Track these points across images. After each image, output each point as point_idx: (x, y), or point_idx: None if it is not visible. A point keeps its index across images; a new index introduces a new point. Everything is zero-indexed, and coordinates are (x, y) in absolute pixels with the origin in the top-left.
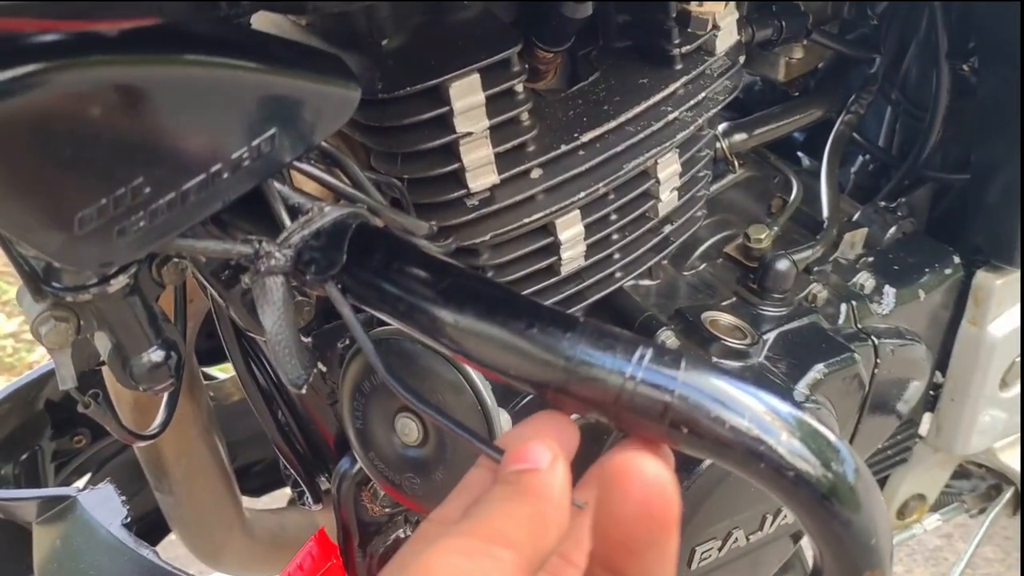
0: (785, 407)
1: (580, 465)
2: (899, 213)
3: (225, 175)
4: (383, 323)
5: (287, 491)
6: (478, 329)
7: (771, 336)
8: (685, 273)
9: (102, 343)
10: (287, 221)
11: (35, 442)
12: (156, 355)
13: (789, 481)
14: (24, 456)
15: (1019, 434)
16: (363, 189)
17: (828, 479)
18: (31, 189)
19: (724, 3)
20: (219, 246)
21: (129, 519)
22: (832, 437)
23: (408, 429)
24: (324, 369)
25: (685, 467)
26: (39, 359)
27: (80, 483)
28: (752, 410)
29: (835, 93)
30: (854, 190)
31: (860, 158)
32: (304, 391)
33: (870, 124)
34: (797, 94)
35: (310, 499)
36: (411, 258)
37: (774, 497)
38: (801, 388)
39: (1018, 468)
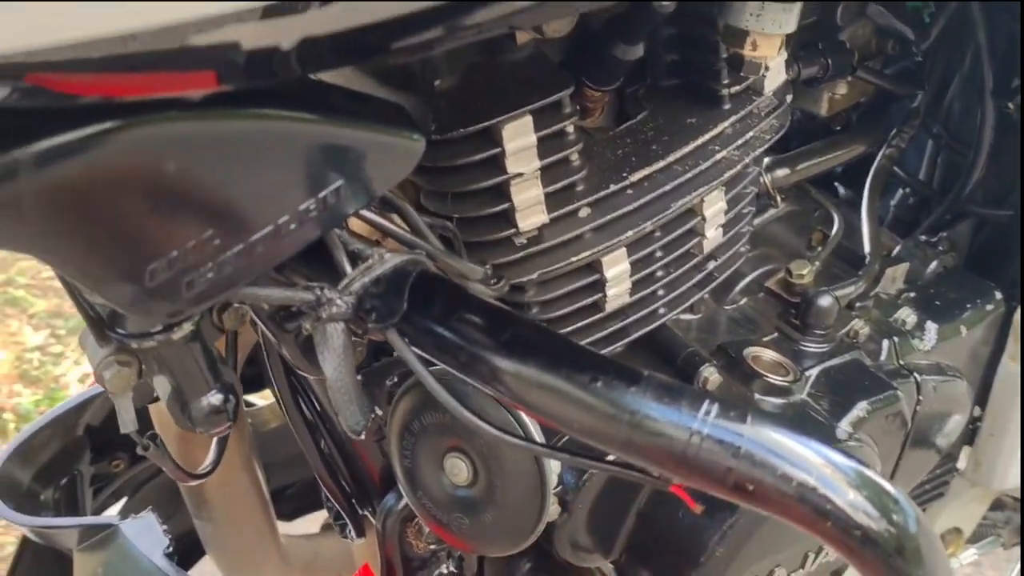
0: (847, 461)
1: (611, 512)
2: (940, 247)
3: (292, 227)
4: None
5: (318, 515)
6: (541, 381)
7: (814, 373)
8: (726, 307)
9: (161, 386)
10: (348, 268)
11: (74, 467)
12: (215, 398)
13: (856, 540)
14: (63, 481)
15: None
16: (420, 234)
17: (893, 535)
18: (104, 243)
19: (778, 48)
20: (281, 293)
21: (171, 549)
22: (892, 489)
23: (458, 469)
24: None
25: (727, 505)
26: (65, 372)
27: (117, 506)
28: (818, 468)
29: (878, 128)
30: (893, 223)
31: (900, 191)
32: (363, 437)
33: (910, 156)
34: (839, 128)
35: (353, 532)
36: (472, 307)
37: (838, 554)
38: (844, 426)
39: None
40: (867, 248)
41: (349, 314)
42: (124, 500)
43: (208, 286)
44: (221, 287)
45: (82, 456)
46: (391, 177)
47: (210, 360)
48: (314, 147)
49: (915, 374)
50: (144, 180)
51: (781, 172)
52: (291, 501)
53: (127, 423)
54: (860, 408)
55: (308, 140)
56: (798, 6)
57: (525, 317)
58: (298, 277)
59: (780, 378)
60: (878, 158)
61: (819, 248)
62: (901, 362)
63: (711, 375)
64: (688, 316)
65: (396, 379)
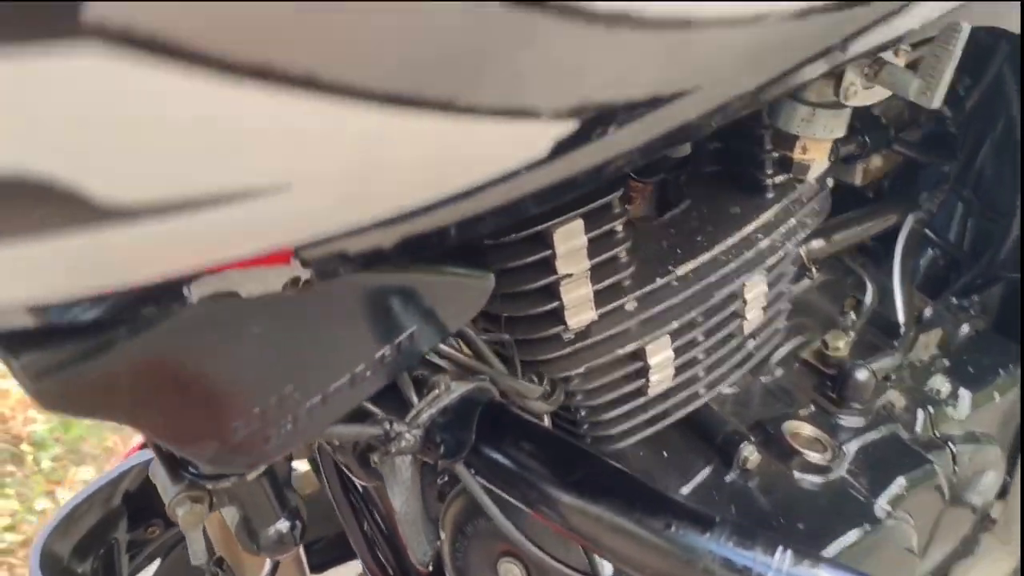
0: None
1: None
2: (972, 311)
3: (368, 373)
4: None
5: (345, 567)
6: (613, 524)
7: (852, 448)
8: (762, 378)
9: (230, 516)
10: (415, 399)
11: (112, 535)
12: (283, 525)
13: None
14: (101, 550)
15: None
16: (483, 358)
17: None
18: (192, 406)
19: (828, 152)
20: (351, 431)
21: None
22: None
23: (512, 575)
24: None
25: None
26: None
27: (152, 568)
28: None
29: (909, 196)
30: (922, 282)
31: (929, 251)
32: (430, 568)
33: (939, 217)
34: (871, 194)
35: None
36: (542, 442)
37: None
38: (882, 503)
39: None
40: (901, 318)
41: (418, 447)
42: (158, 562)
43: (287, 437)
44: (298, 437)
45: (119, 524)
46: (462, 316)
47: (278, 490)
48: (389, 296)
49: (950, 444)
50: (231, 342)
51: (817, 244)
52: (320, 554)
53: (198, 554)
54: (898, 484)
55: (384, 290)
56: (847, 111)
57: (596, 455)
58: (364, 409)
59: (819, 456)
60: (908, 223)
61: (851, 313)
62: (936, 432)
63: (751, 454)
64: (724, 390)
65: (447, 478)
